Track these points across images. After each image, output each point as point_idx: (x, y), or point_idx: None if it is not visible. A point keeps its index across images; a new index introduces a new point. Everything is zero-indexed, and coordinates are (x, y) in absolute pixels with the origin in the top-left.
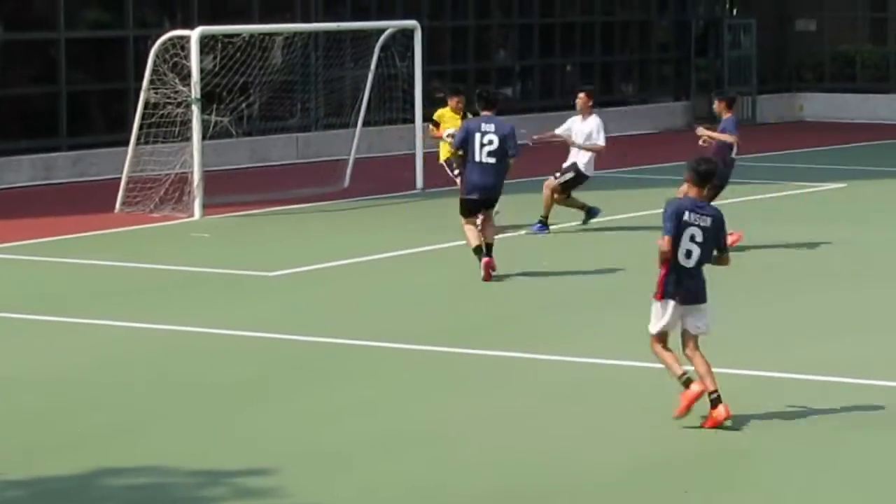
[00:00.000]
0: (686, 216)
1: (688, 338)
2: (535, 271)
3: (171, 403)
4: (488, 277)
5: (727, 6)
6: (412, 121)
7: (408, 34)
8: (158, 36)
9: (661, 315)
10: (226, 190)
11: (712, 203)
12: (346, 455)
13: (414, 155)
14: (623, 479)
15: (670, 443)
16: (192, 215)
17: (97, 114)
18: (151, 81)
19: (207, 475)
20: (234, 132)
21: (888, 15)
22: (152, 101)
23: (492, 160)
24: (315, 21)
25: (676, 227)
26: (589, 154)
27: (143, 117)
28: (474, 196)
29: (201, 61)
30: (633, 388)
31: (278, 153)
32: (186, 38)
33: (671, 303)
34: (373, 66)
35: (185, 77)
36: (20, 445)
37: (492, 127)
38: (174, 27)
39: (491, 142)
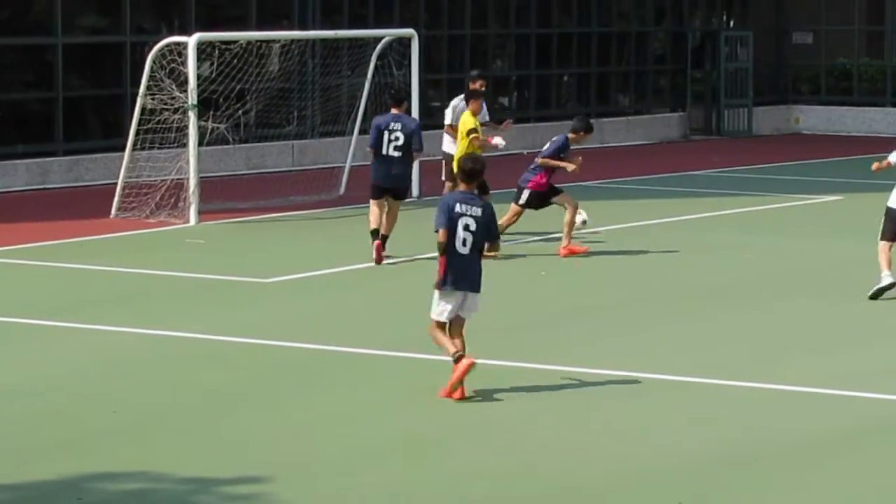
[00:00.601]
0: (457, 208)
1: (458, 321)
2: (533, 280)
3: (163, 408)
4: (379, 260)
5: (724, 18)
6: None
7: (405, 43)
8: (156, 42)
9: (442, 303)
10: (222, 196)
11: None
12: (336, 462)
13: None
14: (613, 489)
15: (661, 454)
16: (187, 221)
17: (93, 119)
18: (148, 87)
19: (197, 481)
20: (230, 139)
21: (885, 28)
22: (149, 106)
23: (397, 154)
24: (312, 29)
25: (448, 220)
26: None
27: (140, 123)
28: (378, 183)
29: (198, 68)
30: (624, 399)
31: (274, 160)
32: (184, 45)
33: (451, 290)
34: (369, 75)
35: (182, 83)
36: (10, 448)
37: (398, 125)
38: (171, 33)
39: (397, 138)
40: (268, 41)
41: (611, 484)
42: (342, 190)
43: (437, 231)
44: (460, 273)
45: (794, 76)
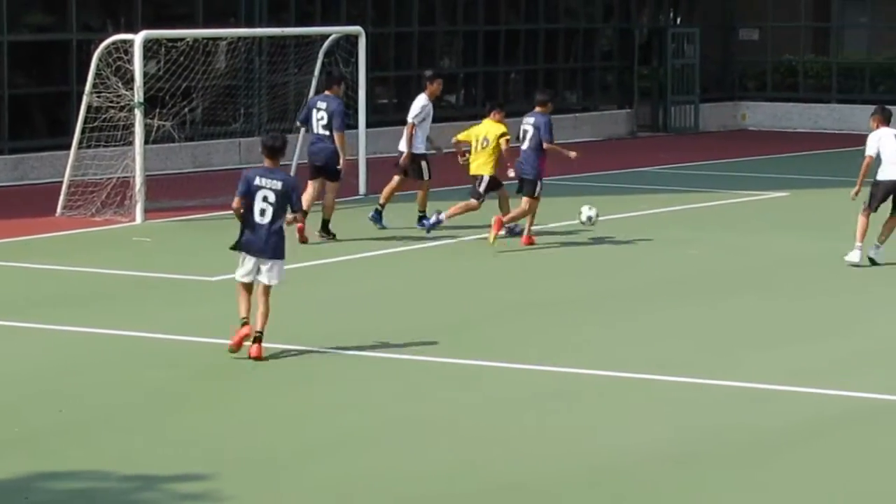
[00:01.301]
0: (257, 181)
1: (263, 289)
2: (475, 277)
3: (109, 407)
4: (303, 240)
5: (671, 15)
6: (355, 126)
7: (352, 40)
8: (102, 40)
9: (240, 266)
10: (168, 195)
11: None
12: (280, 459)
13: (357, 160)
14: (557, 485)
15: (605, 451)
16: (133, 220)
17: (39, 117)
18: (94, 85)
19: (143, 479)
20: (176, 137)
21: (831, 25)
22: (95, 104)
23: (325, 132)
24: (259, 26)
25: (247, 190)
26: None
27: (86, 121)
28: (308, 161)
29: (145, 65)
30: (567, 395)
31: (221, 158)
32: (130, 42)
33: (245, 255)
34: (316, 72)
35: (129, 81)
36: None
37: (324, 104)
38: (118, 31)
39: (322, 117)
40: (214, 39)
41: (554, 481)
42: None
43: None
44: (254, 240)
45: (740, 73)
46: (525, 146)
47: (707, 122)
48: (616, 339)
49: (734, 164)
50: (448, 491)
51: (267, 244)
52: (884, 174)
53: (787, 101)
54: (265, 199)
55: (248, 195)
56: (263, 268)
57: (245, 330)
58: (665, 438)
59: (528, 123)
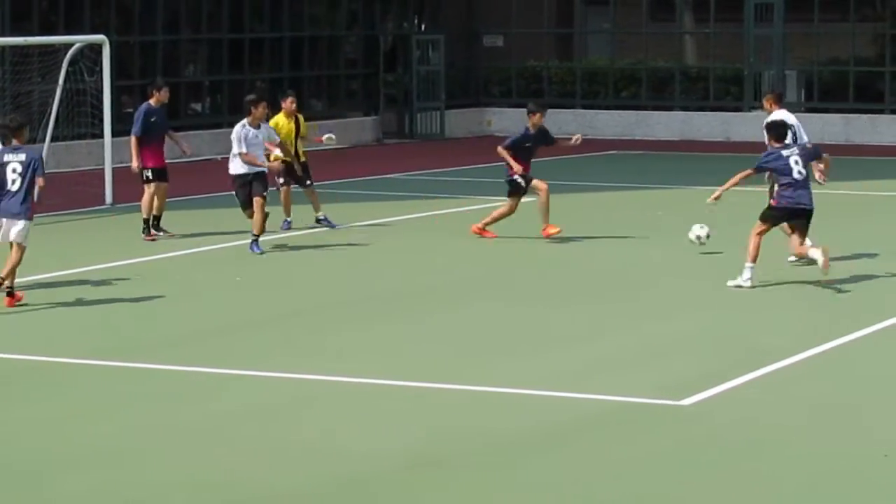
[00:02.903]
0: (5, 157)
1: (15, 248)
2: (226, 287)
3: None
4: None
5: (416, 22)
6: (101, 136)
7: (96, 49)
8: None
9: None
10: None
11: None
12: (26, 473)
13: (103, 170)
14: (308, 494)
15: (353, 458)
16: None
17: None
18: None
19: None
20: None
21: (574, 31)
22: None
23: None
24: (1, 35)
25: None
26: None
27: None
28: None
29: None
30: (314, 402)
31: None
32: None
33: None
34: (60, 81)
35: None
36: None
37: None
38: None
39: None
40: None
41: (305, 489)
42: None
43: None
44: (5, 206)
45: (485, 79)
46: None
47: (453, 128)
48: (365, 345)
49: (481, 170)
50: (208, 502)
51: (16, 208)
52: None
53: None
54: (14, 170)
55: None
56: (12, 229)
57: None
58: (414, 443)
59: None
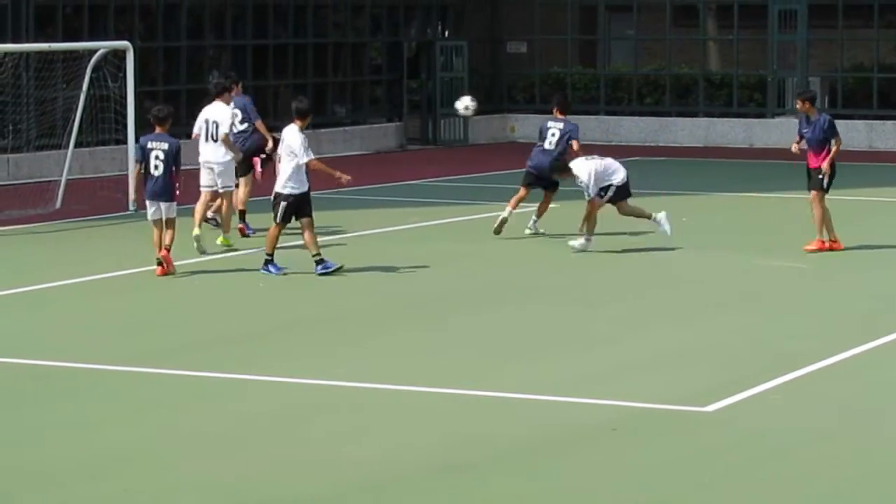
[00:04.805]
0: (149, 145)
1: (168, 223)
2: (254, 293)
3: None
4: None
5: (439, 28)
6: (124, 141)
7: (120, 55)
8: None
9: (149, 209)
10: None
11: None
12: (49, 475)
13: (126, 175)
14: (332, 498)
15: (380, 462)
16: None
17: None
18: None
19: None
20: None
21: (597, 37)
22: None
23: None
24: (26, 41)
25: (142, 155)
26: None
27: None
28: None
29: None
30: (343, 408)
31: None
32: None
33: (150, 200)
34: (84, 87)
35: None
36: None
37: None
38: None
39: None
40: None
41: (330, 493)
42: (58, 204)
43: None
44: (150, 189)
45: (509, 85)
46: None
47: (477, 134)
48: (388, 352)
49: (504, 177)
50: None
51: (164, 191)
52: None
53: None
54: (157, 157)
55: (145, 158)
56: (163, 208)
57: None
58: (437, 448)
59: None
